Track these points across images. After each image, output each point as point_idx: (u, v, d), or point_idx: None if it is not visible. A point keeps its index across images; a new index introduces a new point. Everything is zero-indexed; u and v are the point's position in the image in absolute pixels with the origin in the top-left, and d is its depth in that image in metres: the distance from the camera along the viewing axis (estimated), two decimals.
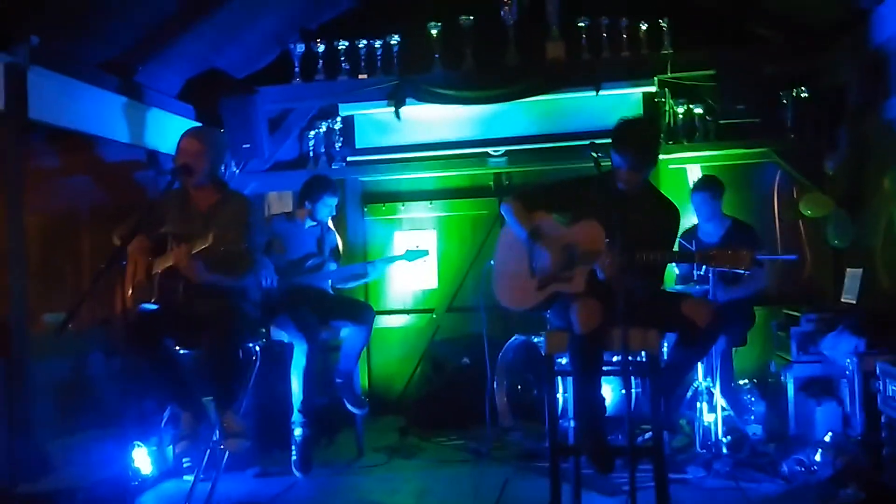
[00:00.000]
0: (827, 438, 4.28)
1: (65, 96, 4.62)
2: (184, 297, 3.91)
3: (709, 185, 5.09)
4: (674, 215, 3.80)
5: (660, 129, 5.64)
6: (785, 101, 5.68)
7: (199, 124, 5.80)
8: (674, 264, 4.99)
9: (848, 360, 4.28)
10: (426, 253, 5.37)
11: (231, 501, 4.11)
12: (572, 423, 4.11)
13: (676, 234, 4.00)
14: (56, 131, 4.66)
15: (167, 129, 5.53)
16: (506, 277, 3.86)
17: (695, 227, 5.15)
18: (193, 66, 5.81)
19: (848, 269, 5.10)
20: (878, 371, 3.86)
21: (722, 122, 5.73)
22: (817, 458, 4.16)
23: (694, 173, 5.99)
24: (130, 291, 4.01)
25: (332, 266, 5.17)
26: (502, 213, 3.86)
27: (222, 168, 4.23)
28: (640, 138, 3.62)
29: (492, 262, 3.99)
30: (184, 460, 4.58)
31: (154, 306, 3.95)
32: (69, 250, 5.08)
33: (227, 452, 3.97)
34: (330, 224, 5.26)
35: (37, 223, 4.67)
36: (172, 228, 3.99)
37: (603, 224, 3.53)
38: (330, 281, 5.18)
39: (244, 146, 5.90)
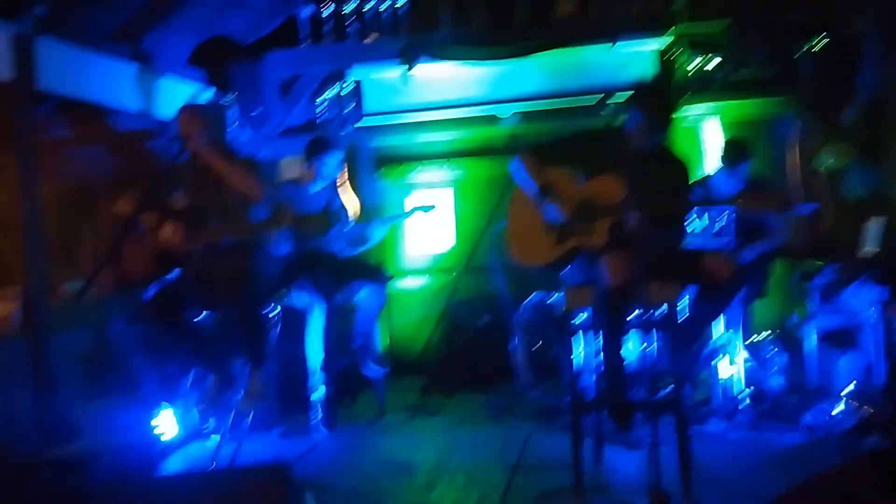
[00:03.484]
0: (849, 389, 4.26)
1: (73, 66, 4.60)
2: (203, 260, 3.96)
3: (749, 151, 4.90)
4: (686, 170, 3.79)
5: (676, 92, 5.54)
6: (803, 51, 5.58)
7: (210, 90, 5.80)
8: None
9: (870, 310, 4.25)
10: (433, 207, 5.37)
11: (256, 461, 4.15)
12: (592, 379, 4.12)
13: (690, 188, 3.97)
14: (66, 102, 4.64)
15: (177, 97, 5.50)
16: (520, 235, 3.83)
17: (706, 178, 5.07)
18: (201, 33, 5.76)
19: (871, 219, 5.03)
20: None
21: (738, 74, 5.65)
22: (840, 408, 4.15)
23: (711, 127, 5.92)
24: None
25: (346, 228, 5.17)
26: (510, 169, 3.81)
27: (227, 137, 4.32)
28: (658, 100, 3.59)
29: (503, 223, 3.96)
30: (208, 422, 4.63)
31: (172, 276, 4.01)
32: (84, 219, 5.09)
33: (252, 412, 4.04)
34: (346, 187, 5.23)
35: (51, 194, 4.67)
36: (186, 199, 4.08)
37: (620, 177, 3.50)
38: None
39: (254, 112, 5.89)
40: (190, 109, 4.24)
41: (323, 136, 5.27)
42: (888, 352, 4.03)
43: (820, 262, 4.90)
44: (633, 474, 3.76)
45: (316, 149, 5.08)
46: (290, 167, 6.61)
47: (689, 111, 5.76)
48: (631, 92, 3.60)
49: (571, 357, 3.72)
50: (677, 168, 3.78)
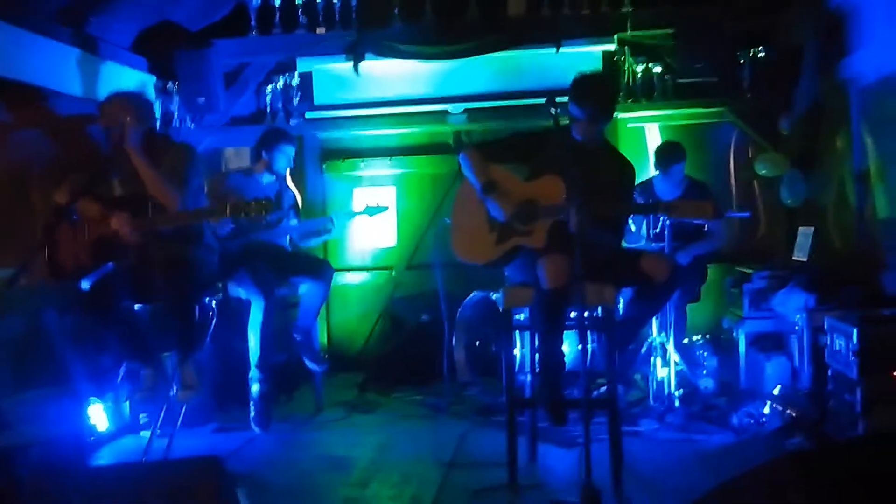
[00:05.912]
0: (776, 392, 4.39)
1: (12, 46, 4.48)
2: (138, 250, 3.89)
3: (680, 153, 5.04)
4: (630, 170, 3.85)
5: (618, 83, 5.65)
6: (743, 61, 5.71)
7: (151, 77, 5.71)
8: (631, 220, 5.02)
9: (798, 316, 4.38)
10: (386, 208, 5.36)
11: (189, 456, 4.11)
12: (528, 378, 4.17)
13: (633, 189, 4.04)
14: (3, 83, 4.52)
15: (120, 83, 5.39)
16: (463, 232, 3.84)
17: (650, 181, 5.17)
18: (147, 18, 5.66)
19: (800, 228, 5.19)
20: (826, 326, 3.96)
21: (680, 81, 5.75)
22: (766, 410, 4.27)
23: (652, 132, 6.03)
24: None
25: (293, 222, 5.13)
26: (460, 162, 3.83)
27: (155, 125, 4.23)
28: (600, 91, 3.65)
29: (447, 220, 3.98)
30: (140, 416, 4.57)
31: (108, 268, 3.93)
32: (19, 206, 4.96)
33: (185, 407, 4.00)
34: (289, 180, 5.21)
35: None
36: (122, 188, 3.99)
37: (563, 178, 3.54)
38: (289, 237, 5.14)
39: (199, 100, 5.80)
40: (116, 98, 4.09)
41: (278, 128, 5.23)
42: (812, 357, 4.16)
43: (752, 268, 5.04)
44: (565, 471, 3.82)
45: (270, 140, 5.04)
46: (236, 157, 6.56)
47: (632, 115, 5.85)
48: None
49: (509, 355, 3.77)
50: (622, 167, 3.83)
